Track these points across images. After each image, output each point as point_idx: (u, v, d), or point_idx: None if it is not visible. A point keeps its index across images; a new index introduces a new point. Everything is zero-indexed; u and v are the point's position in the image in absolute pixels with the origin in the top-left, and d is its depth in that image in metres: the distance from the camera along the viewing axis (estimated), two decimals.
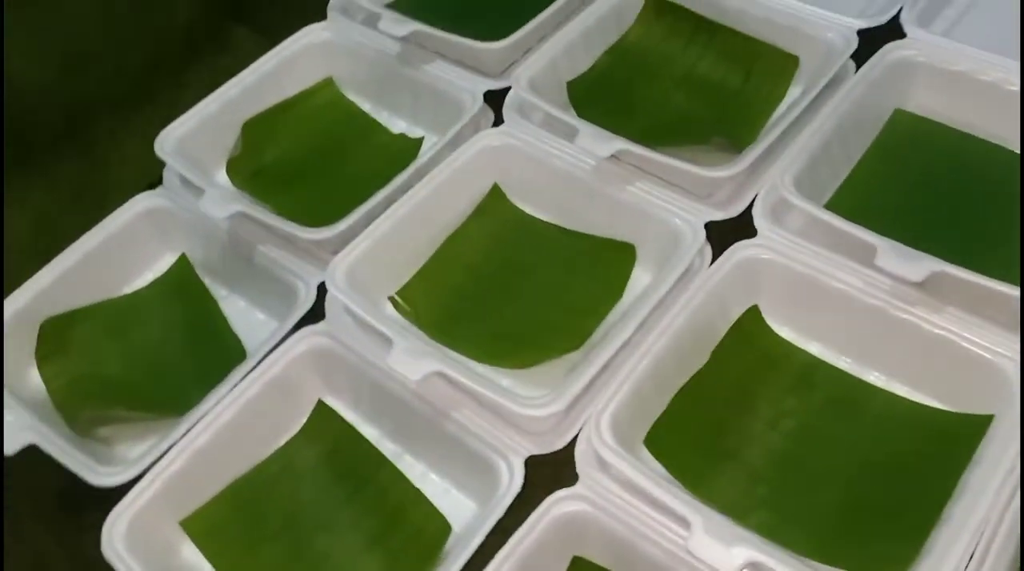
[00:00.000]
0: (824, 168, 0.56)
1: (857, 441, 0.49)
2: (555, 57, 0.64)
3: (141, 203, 0.66)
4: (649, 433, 0.50)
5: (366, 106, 0.72)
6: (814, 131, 0.56)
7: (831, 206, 0.54)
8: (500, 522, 0.48)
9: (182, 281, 0.65)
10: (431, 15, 0.67)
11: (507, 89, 0.64)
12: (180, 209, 0.65)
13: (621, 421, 0.48)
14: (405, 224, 0.59)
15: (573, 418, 0.51)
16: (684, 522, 0.44)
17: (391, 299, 0.59)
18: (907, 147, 0.58)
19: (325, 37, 0.72)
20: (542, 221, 0.62)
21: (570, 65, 0.65)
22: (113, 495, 0.51)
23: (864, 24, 0.61)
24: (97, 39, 0.83)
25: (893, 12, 0.62)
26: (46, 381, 0.60)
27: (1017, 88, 0.57)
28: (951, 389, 0.50)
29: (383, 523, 0.52)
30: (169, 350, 0.62)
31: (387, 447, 0.55)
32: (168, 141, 0.66)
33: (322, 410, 0.57)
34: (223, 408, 0.54)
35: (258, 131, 0.69)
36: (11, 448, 0.54)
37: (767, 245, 0.54)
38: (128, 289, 0.65)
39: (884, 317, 0.50)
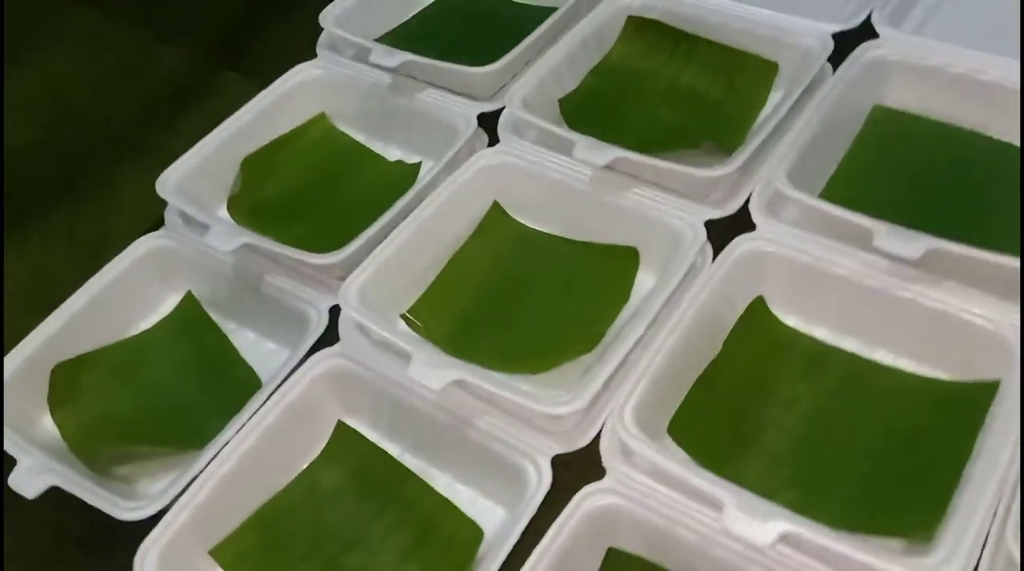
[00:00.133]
0: (813, 164, 0.58)
1: (872, 417, 0.51)
2: (544, 78, 0.66)
3: (144, 245, 0.66)
4: (672, 421, 0.51)
5: (360, 138, 0.73)
6: (800, 130, 0.58)
7: (823, 198, 0.56)
8: (531, 523, 0.49)
9: (189, 318, 0.65)
10: (419, 48, 0.69)
11: (499, 111, 0.66)
12: (184, 248, 0.66)
13: (643, 413, 0.49)
14: (410, 245, 0.60)
15: (593, 416, 0.52)
16: (715, 504, 0.45)
17: (403, 317, 0.60)
18: (888, 139, 0.61)
19: (316, 74, 0.73)
20: (544, 233, 0.63)
21: (558, 85, 0.68)
22: (138, 532, 0.51)
23: (838, 27, 0.64)
24: (85, 93, 0.85)
25: (865, 14, 0.65)
26: (60, 426, 0.60)
27: (990, 78, 0.60)
28: (957, 360, 0.51)
29: (414, 535, 0.52)
30: (182, 386, 0.62)
31: (410, 462, 0.56)
32: (169, 182, 0.66)
33: (343, 431, 0.57)
34: (243, 436, 0.54)
35: (256, 167, 0.70)
36: (32, 492, 0.53)
37: (767, 237, 0.55)
38: (135, 331, 0.66)
39: (886, 297, 0.52)
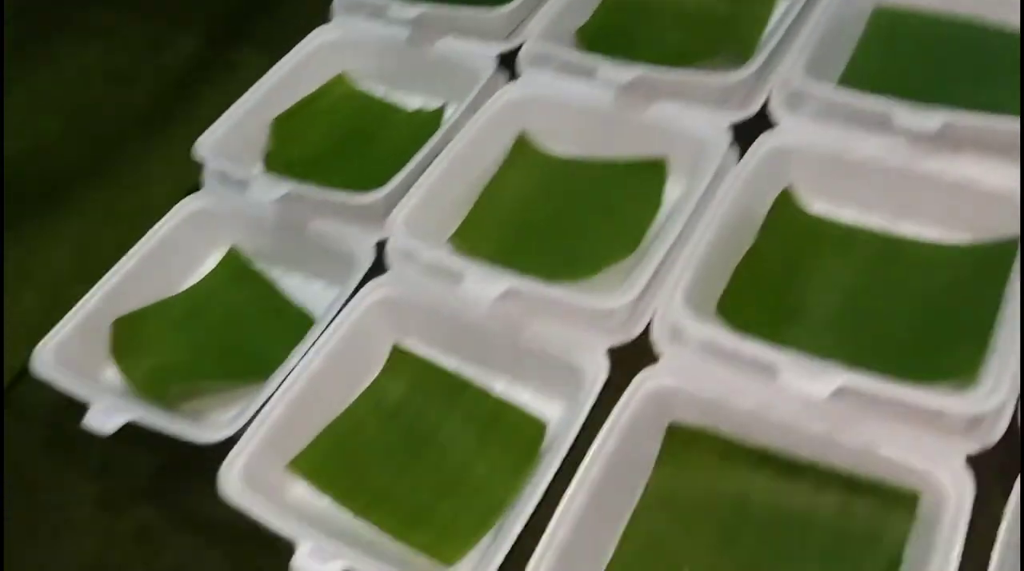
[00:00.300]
0: (825, 62, 0.61)
1: (905, 284, 0.54)
2: (560, 11, 0.69)
3: (186, 207, 0.69)
4: (720, 301, 0.53)
5: (382, 92, 0.76)
6: (810, 31, 0.61)
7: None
8: (591, 414, 0.51)
9: (236, 269, 0.68)
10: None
11: (517, 50, 0.69)
12: (224, 205, 0.68)
13: (692, 297, 0.52)
14: (447, 177, 0.63)
15: (641, 309, 0.54)
16: (768, 372, 0.48)
17: (450, 240, 0.62)
18: (892, 35, 0.64)
19: (335, 35, 0.76)
20: (573, 157, 0.66)
21: (572, 17, 0.70)
22: (211, 459, 0.53)
23: None
24: (108, 82, 0.87)
25: None
26: (126, 372, 0.62)
27: None
28: (977, 224, 0.54)
29: (478, 435, 0.55)
30: (238, 328, 0.64)
31: (467, 372, 0.58)
32: (204, 145, 0.69)
33: (398, 353, 0.60)
34: (308, 361, 0.56)
35: (287, 127, 0.73)
36: (110, 428, 0.56)
37: (790, 131, 0.58)
38: (183, 288, 0.68)
39: (907, 173, 0.55)
